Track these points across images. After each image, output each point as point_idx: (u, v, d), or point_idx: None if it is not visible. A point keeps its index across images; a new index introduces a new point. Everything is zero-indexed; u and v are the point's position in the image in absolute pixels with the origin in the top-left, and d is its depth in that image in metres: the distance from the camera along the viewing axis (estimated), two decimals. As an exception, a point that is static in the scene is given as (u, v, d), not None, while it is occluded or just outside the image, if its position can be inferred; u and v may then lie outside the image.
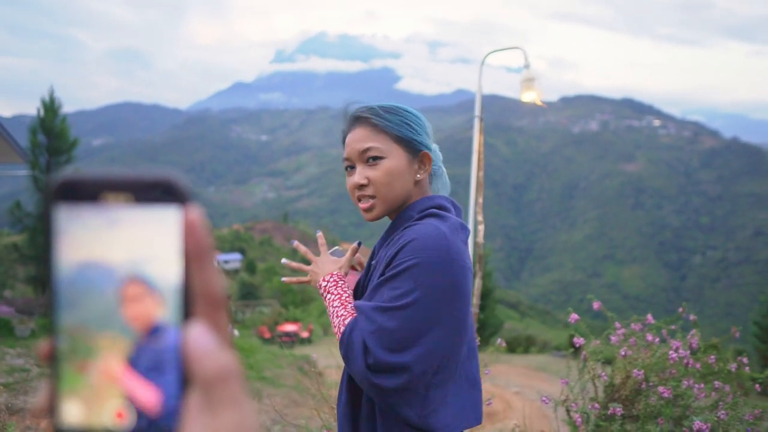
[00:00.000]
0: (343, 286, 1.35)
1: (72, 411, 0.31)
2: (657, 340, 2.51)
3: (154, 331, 0.31)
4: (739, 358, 2.51)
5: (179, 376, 0.31)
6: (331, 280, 1.36)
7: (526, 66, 4.34)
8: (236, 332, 16.52)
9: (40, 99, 13.72)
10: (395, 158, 1.30)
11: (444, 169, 1.46)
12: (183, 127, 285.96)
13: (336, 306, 1.30)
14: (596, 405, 2.42)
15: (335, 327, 1.28)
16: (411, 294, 1.16)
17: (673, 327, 2.60)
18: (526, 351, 19.16)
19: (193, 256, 0.31)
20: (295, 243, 1.49)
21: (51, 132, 13.56)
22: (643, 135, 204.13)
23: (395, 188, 1.30)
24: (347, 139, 1.35)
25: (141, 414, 0.31)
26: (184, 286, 0.31)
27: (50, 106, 13.75)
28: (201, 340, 0.31)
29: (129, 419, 0.30)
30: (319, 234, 1.53)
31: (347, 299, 1.32)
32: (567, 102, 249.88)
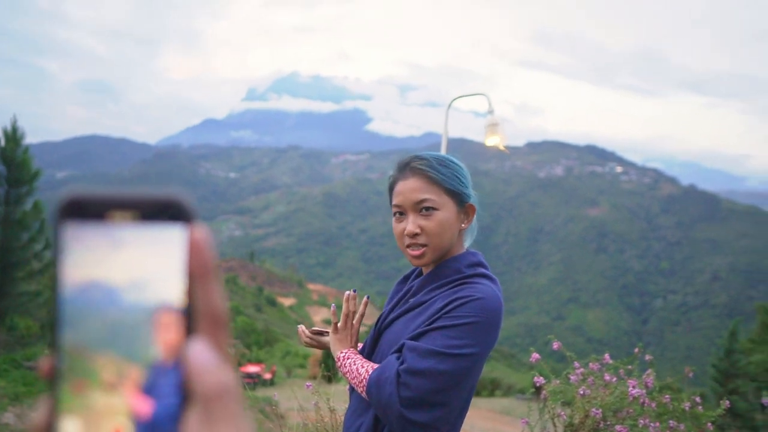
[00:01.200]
0: (359, 358, 1.44)
1: (69, 430, 0.31)
2: (615, 379, 2.57)
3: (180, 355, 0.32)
4: (693, 397, 2.57)
5: (180, 392, 0.31)
6: (347, 354, 1.47)
7: (490, 111, 4.46)
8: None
9: (2, 128, 13.43)
10: (447, 210, 1.40)
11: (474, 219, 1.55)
12: (151, 162, 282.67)
13: (358, 363, 1.41)
14: None
15: (359, 375, 1.38)
16: (470, 347, 1.28)
17: (629, 367, 2.67)
18: (491, 394, 19.06)
19: (197, 275, 0.32)
20: (333, 308, 1.61)
21: (12, 162, 13.22)
22: (606, 181, 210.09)
23: (445, 238, 1.40)
24: (400, 187, 1.42)
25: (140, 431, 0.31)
26: (187, 304, 0.32)
27: (12, 136, 13.45)
28: (202, 357, 0.32)
29: None
30: (333, 308, 1.63)
31: (366, 362, 1.42)
32: (533, 147, 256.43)
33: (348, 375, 1.42)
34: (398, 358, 1.31)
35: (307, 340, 1.67)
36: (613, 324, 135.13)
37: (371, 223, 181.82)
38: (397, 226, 1.43)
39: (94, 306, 0.31)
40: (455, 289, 1.37)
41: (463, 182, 1.44)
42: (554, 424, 2.53)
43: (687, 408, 2.52)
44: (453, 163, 1.45)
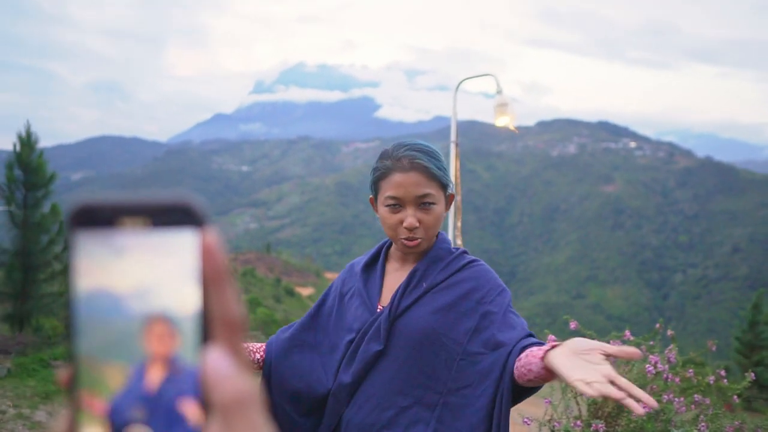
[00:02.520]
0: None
1: None
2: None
3: (172, 363, 0.31)
4: (718, 371, 2.57)
5: (199, 401, 0.31)
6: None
7: (499, 92, 4.42)
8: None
9: (17, 134, 13.60)
10: (441, 203, 1.48)
11: None
12: (164, 160, 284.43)
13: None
14: (579, 423, 2.46)
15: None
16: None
17: (651, 343, 2.66)
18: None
19: (210, 280, 0.31)
20: None
21: (27, 167, 13.39)
22: (620, 156, 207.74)
23: (437, 230, 1.50)
24: (400, 179, 1.43)
25: None
26: (202, 311, 0.31)
27: (26, 141, 13.60)
28: (220, 365, 0.31)
29: None
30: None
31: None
32: (544, 126, 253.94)
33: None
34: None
35: None
36: (633, 300, 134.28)
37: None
38: (391, 217, 1.45)
39: (101, 315, 0.31)
40: (473, 269, 1.52)
41: (447, 173, 1.50)
42: (577, 403, 2.53)
43: (711, 381, 2.50)
44: (439, 154, 1.50)
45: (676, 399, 2.39)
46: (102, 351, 0.31)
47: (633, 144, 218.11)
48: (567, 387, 2.56)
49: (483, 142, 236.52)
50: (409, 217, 1.43)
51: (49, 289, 14.11)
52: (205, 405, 0.31)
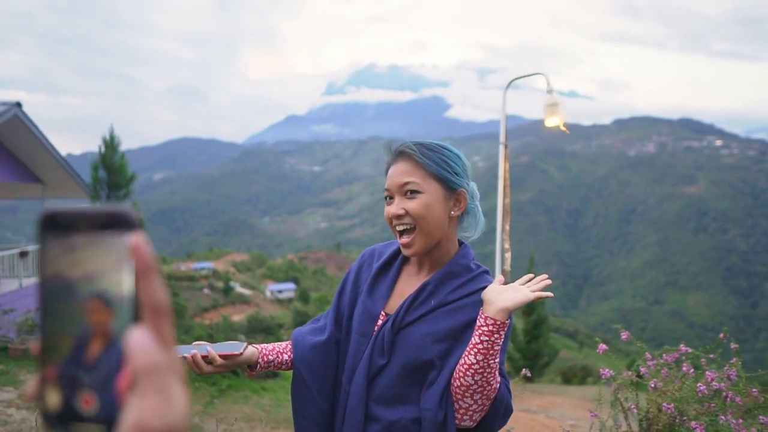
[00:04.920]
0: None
1: (51, 399, 0.41)
2: (692, 371, 2.35)
3: (109, 333, 0.40)
4: None
5: (125, 371, 0.40)
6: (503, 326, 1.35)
7: (549, 91, 4.29)
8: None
9: (101, 137, 14.51)
10: (431, 193, 1.41)
11: (479, 207, 1.54)
12: (239, 160, 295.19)
13: (497, 362, 1.35)
14: None
15: (494, 381, 1.34)
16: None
17: (711, 356, 2.41)
18: (582, 382, 18.45)
19: (140, 273, 0.40)
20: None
21: (111, 168, 14.28)
22: (704, 156, 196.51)
23: (430, 221, 1.40)
24: (389, 172, 1.46)
25: (101, 401, 0.40)
26: (134, 296, 0.40)
27: (110, 144, 14.52)
28: (139, 340, 0.39)
29: (92, 405, 0.40)
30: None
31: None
32: (621, 124, 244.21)
33: (485, 358, 1.32)
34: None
35: (210, 369, 1.44)
36: (717, 308, 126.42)
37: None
38: (386, 210, 1.46)
39: (60, 294, 0.40)
40: (479, 292, 1.41)
41: (450, 168, 1.45)
42: (626, 417, 2.39)
43: None
44: (444, 149, 1.47)
45: (734, 421, 2.12)
46: (56, 324, 0.41)
47: (719, 142, 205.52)
48: (615, 401, 2.42)
49: (556, 142, 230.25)
50: (394, 206, 1.42)
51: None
52: (132, 373, 0.39)
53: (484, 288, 1.41)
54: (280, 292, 57.30)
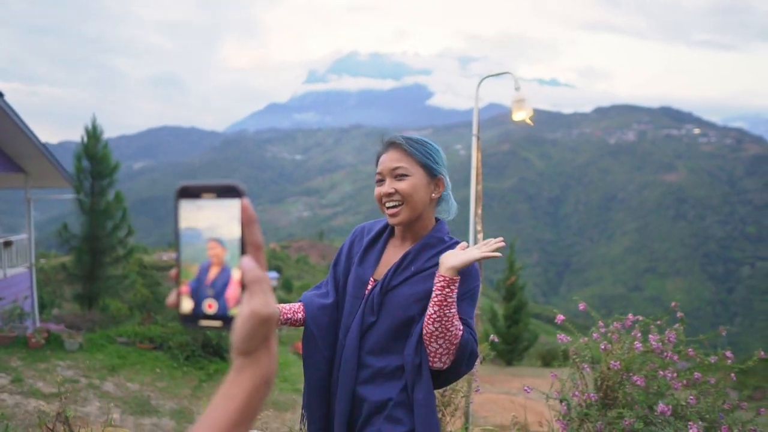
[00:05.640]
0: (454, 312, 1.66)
1: (185, 305, 0.65)
2: (639, 335, 2.66)
3: (223, 263, 0.64)
4: (724, 351, 2.59)
5: (239, 284, 0.64)
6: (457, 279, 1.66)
7: (517, 88, 4.58)
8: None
9: (84, 126, 14.45)
10: (417, 177, 1.74)
11: (451, 195, 1.87)
12: (220, 149, 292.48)
13: (455, 310, 1.65)
14: (576, 393, 2.67)
15: (453, 328, 1.63)
16: (475, 307, 1.76)
17: (659, 322, 2.71)
18: (563, 365, 18.91)
19: (245, 223, 0.63)
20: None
21: (94, 157, 14.24)
22: (683, 144, 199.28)
23: (417, 199, 1.74)
24: (382, 158, 1.79)
25: (219, 305, 0.64)
26: (241, 239, 0.63)
27: (93, 133, 14.46)
28: (248, 262, 0.62)
29: (213, 308, 0.65)
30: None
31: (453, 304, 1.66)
32: (602, 113, 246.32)
33: (441, 309, 1.63)
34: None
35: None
36: (696, 294, 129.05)
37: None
38: (377, 190, 1.77)
39: (188, 239, 0.65)
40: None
41: (433, 158, 1.78)
42: (582, 376, 2.70)
43: (713, 360, 2.54)
44: (427, 142, 1.80)
45: (669, 375, 2.48)
46: (187, 258, 0.65)
47: (697, 130, 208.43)
48: (572, 363, 2.75)
49: (536, 130, 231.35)
50: (386, 186, 1.75)
51: (114, 271, 15.02)
52: (242, 286, 0.63)
53: None
54: (263, 281, 57.20)
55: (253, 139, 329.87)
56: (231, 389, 0.61)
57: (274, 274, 58.36)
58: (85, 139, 14.43)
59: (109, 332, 10.73)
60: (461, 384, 3.03)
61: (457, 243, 1.78)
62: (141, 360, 9.47)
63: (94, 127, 14.55)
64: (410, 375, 1.67)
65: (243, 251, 0.64)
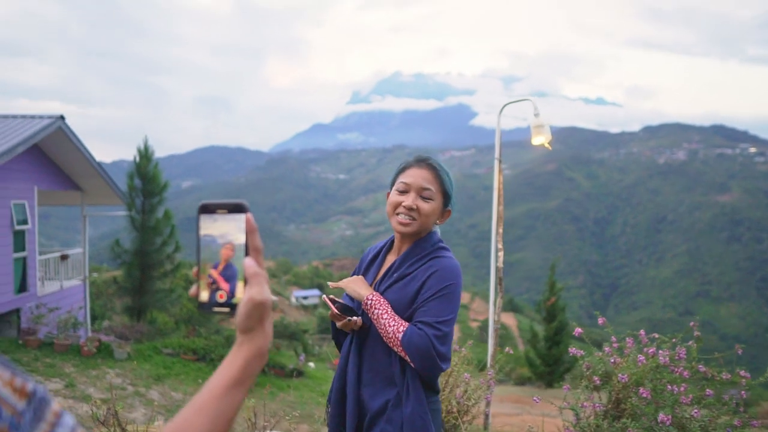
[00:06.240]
0: (385, 303, 1.85)
1: (204, 296, 0.82)
2: (651, 351, 2.73)
3: (230, 263, 0.81)
4: (739, 371, 2.61)
5: (241, 278, 0.80)
6: (375, 298, 1.87)
7: (536, 114, 4.70)
8: (311, 364, 17.17)
9: (136, 147, 15.18)
10: (437, 203, 1.90)
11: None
12: (265, 169, 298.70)
13: (386, 318, 1.81)
14: (585, 404, 2.76)
15: (390, 332, 1.79)
16: (454, 311, 1.81)
17: (674, 340, 2.79)
18: (576, 379, 18.41)
19: (249, 232, 0.79)
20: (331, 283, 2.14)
21: (145, 176, 14.93)
22: (737, 163, 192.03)
23: (428, 221, 1.89)
24: (413, 172, 1.93)
25: (228, 295, 0.81)
26: (246, 244, 0.79)
27: (144, 153, 15.19)
28: (249, 261, 0.78)
29: (224, 298, 0.81)
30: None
31: (393, 313, 1.83)
32: (650, 132, 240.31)
33: (376, 322, 1.84)
34: (419, 328, 1.76)
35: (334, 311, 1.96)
36: (752, 320, 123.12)
37: (480, 219, 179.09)
38: (396, 198, 1.91)
39: (206, 244, 0.81)
40: (429, 263, 1.87)
41: (451, 191, 1.94)
42: (595, 388, 2.80)
43: (726, 378, 2.58)
44: (449, 174, 1.96)
45: (677, 389, 2.53)
46: (205, 258, 0.82)
47: (753, 149, 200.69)
48: (584, 377, 2.88)
49: (583, 149, 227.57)
50: (410, 198, 1.87)
51: (162, 285, 15.62)
52: (245, 280, 0.78)
53: (432, 260, 1.88)
54: (305, 298, 57.94)
55: (298, 158, 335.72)
56: (233, 358, 0.77)
57: (315, 292, 59.08)
58: (138, 159, 15.15)
59: (156, 343, 11.18)
60: (478, 393, 3.16)
61: (442, 248, 1.91)
62: (185, 370, 9.84)
63: (146, 147, 15.28)
64: (399, 387, 1.81)
65: (246, 253, 0.79)
